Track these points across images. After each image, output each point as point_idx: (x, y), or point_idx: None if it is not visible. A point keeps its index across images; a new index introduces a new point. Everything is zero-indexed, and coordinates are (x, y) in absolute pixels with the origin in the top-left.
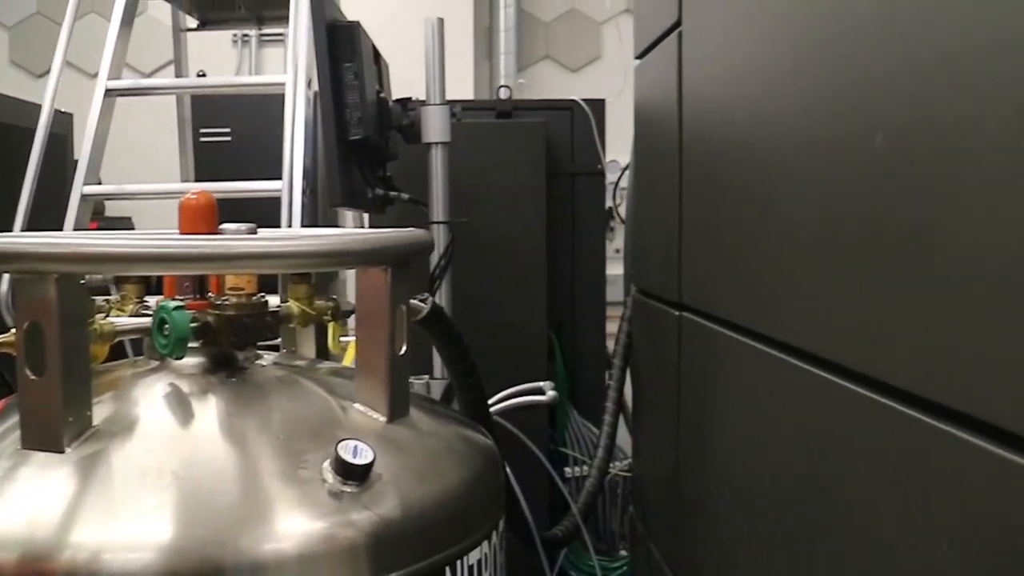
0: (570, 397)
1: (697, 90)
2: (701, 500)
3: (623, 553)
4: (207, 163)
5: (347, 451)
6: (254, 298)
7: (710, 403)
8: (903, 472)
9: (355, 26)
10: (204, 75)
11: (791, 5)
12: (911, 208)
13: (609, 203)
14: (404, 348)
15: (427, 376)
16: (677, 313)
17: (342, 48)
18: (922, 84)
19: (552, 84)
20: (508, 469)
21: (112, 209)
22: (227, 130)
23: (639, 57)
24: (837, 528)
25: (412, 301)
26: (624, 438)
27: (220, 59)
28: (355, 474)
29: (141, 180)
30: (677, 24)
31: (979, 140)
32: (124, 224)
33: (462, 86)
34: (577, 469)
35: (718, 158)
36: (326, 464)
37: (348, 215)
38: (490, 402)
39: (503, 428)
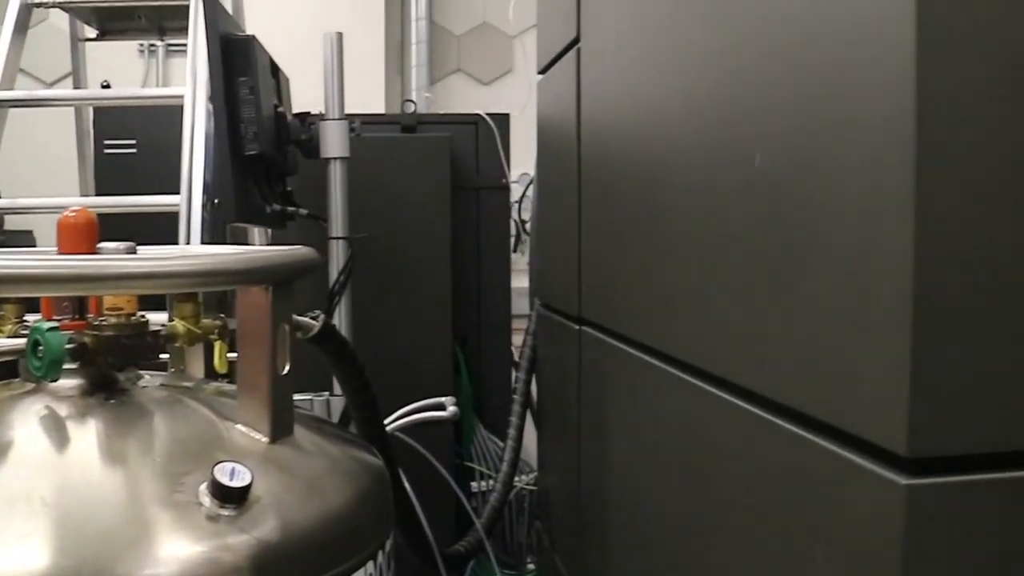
0: (476, 411)
1: (594, 107)
2: (598, 511)
3: (531, 566)
4: (112, 176)
5: (224, 474)
6: (133, 318)
7: (606, 416)
8: (778, 480)
9: (250, 40)
10: (108, 86)
11: (678, 27)
12: (783, 227)
13: (520, 216)
14: (287, 368)
15: (327, 393)
16: (577, 327)
17: (236, 62)
18: (790, 109)
19: (464, 97)
20: (410, 486)
21: (14, 222)
22: (132, 142)
23: (542, 72)
24: (718, 535)
25: (302, 319)
26: (532, 451)
27: (128, 69)
28: (232, 497)
29: (50, 192)
30: (576, 41)
31: (841, 163)
32: (25, 238)
33: (374, 100)
34: (484, 483)
35: (613, 174)
36: (203, 487)
37: (255, 231)
38: (391, 419)
39: (406, 445)
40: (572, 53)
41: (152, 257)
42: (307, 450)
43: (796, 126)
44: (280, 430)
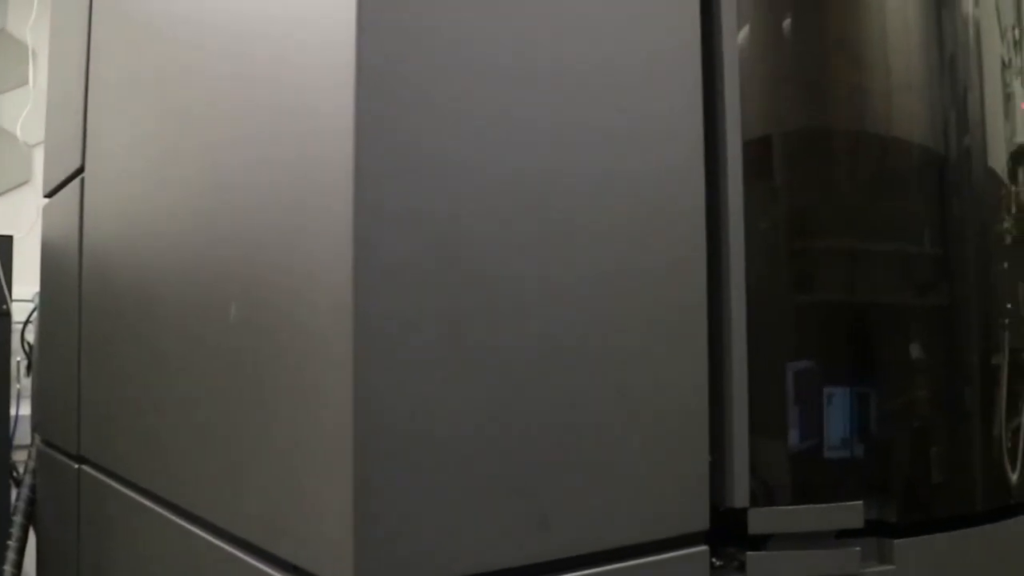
0: None
1: (96, 239)
2: None
3: None
4: None
5: None
6: None
7: (108, 566)
8: None
9: None
10: None
11: (169, 171)
12: (252, 379)
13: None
14: None
15: None
16: (76, 466)
17: None
18: (258, 270)
19: None
20: None
21: None
22: None
23: (48, 196)
24: None
25: None
26: None
27: None
28: None
29: None
30: (80, 170)
31: (301, 329)
32: None
33: None
34: None
35: (112, 309)
36: None
37: None
38: None
39: None
40: (76, 182)
41: None
42: None
43: (263, 285)
44: None
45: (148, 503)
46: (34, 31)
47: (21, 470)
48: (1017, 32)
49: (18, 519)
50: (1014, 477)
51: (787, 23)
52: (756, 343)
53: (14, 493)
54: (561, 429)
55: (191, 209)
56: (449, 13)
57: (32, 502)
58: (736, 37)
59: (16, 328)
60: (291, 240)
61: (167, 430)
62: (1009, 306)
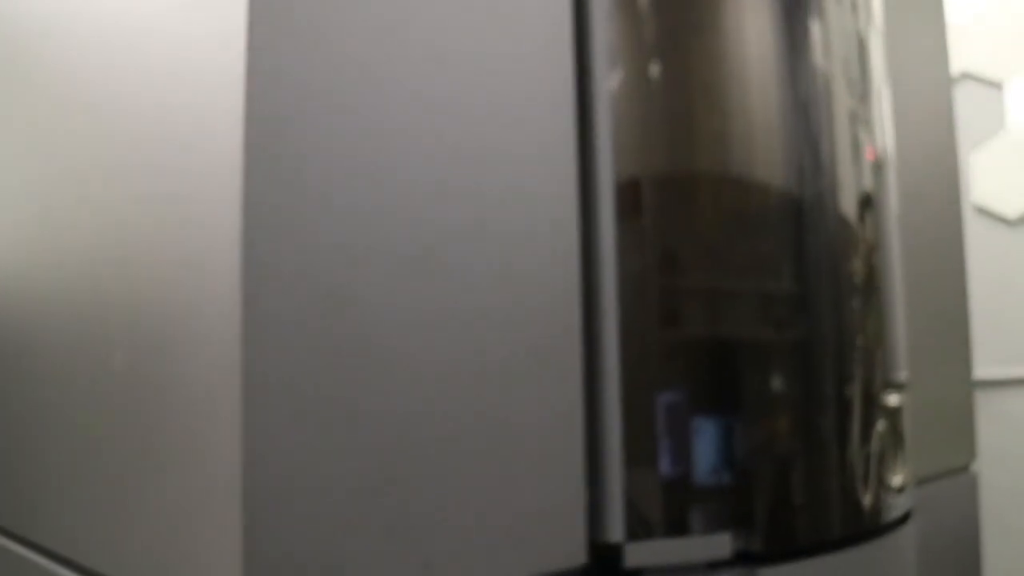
0: None
1: None
2: None
3: None
4: None
5: None
6: None
7: None
8: None
9: None
10: None
11: (56, 201)
12: (140, 427)
13: None
14: None
15: None
16: None
17: None
18: (144, 317)
19: None
20: None
21: None
22: None
23: None
24: None
25: None
26: None
27: None
28: None
29: None
30: None
31: (181, 381)
32: None
33: None
34: None
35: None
36: None
37: None
38: None
39: None
40: None
41: None
42: None
43: (150, 335)
44: None
45: (33, 556)
46: None
47: None
48: (863, 84)
49: None
50: (866, 503)
51: (655, 68)
52: (629, 378)
53: None
54: (442, 474)
55: (75, 255)
56: (334, 79)
57: None
58: (608, 80)
59: None
60: (178, 295)
61: (52, 481)
62: (859, 342)
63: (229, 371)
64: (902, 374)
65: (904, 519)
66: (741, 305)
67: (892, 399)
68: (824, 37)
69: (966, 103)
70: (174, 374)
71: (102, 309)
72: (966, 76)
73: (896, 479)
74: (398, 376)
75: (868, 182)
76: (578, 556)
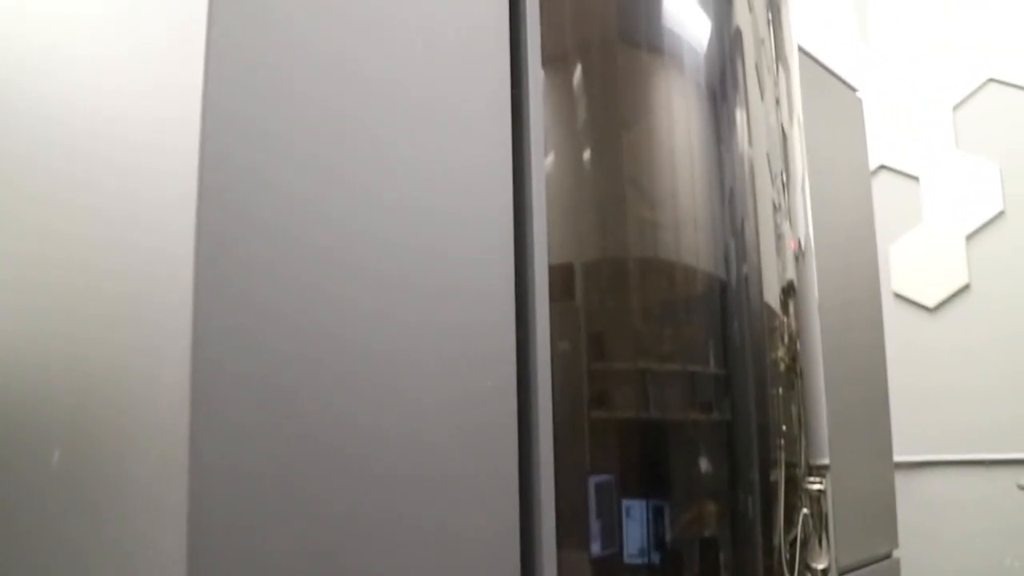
0: None
1: None
2: None
3: None
4: None
5: None
6: None
7: None
8: None
9: None
10: None
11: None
12: (78, 522)
13: None
14: None
15: None
16: None
17: None
18: (78, 415)
19: None
20: None
21: None
22: None
23: None
24: None
25: None
26: None
27: None
28: None
29: None
30: None
31: (127, 475)
32: None
33: None
34: None
35: None
36: None
37: None
38: None
39: None
40: None
41: None
42: None
43: (90, 432)
44: None
45: None
46: None
47: None
48: (785, 177)
49: None
50: None
51: (587, 157)
52: (561, 462)
53: None
54: (386, 563)
55: (15, 346)
56: (279, 206)
57: None
58: (543, 168)
59: None
60: (123, 393)
61: None
62: (783, 426)
63: (174, 469)
64: (825, 459)
65: None
66: (668, 388)
67: (815, 484)
68: (749, 131)
69: (884, 195)
70: (113, 471)
71: (45, 404)
72: (884, 168)
73: (820, 563)
74: (345, 475)
75: (790, 271)
76: None
